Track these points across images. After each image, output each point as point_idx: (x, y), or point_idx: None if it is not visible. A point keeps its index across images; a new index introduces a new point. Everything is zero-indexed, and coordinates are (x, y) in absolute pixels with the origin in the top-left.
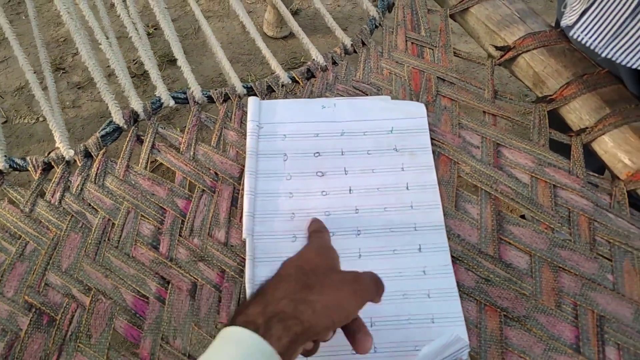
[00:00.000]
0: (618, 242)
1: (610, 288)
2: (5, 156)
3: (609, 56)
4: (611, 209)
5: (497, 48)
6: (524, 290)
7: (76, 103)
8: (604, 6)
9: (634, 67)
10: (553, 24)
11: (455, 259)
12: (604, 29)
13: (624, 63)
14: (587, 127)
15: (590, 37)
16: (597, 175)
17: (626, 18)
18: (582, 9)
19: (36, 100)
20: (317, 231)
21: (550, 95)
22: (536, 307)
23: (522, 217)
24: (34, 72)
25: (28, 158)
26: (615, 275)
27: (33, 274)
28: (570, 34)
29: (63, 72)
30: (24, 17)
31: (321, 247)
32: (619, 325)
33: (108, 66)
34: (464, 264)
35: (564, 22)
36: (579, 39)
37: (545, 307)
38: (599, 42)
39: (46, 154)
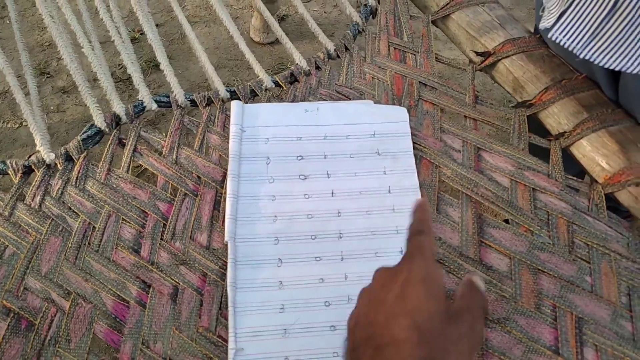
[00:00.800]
0: (596, 244)
1: (589, 290)
2: None
3: (587, 57)
4: (589, 212)
5: (478, 54)
6: (504, 293)
7: (61, 107)
8: (580, 8)
9: (611, 67)
10: (532, 31)
11: (437, 262)
12: (582, 31)
13: (601, 64)
14: (565, 132)
15: (568, 39)
16: (575, 179)
17: (602, 19)
18: (560, 11)
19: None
20: (419, 233)
21: (530, 100)
22: (516, 309)
23: (506, 221)
24: (17, 77)
25: (8, 161)
26: (593, 277)
27: (12, 278)
28: (549, 35)
29: (48, 77)
30: (7, 22)
31: (429, 276)
32: (597, 326)
33: (92, 70)
34: (445, 267)
35: (542, 25)
36: (557, 40)
37: (525, 309)
38: (576, 44)
39: (26, 158)
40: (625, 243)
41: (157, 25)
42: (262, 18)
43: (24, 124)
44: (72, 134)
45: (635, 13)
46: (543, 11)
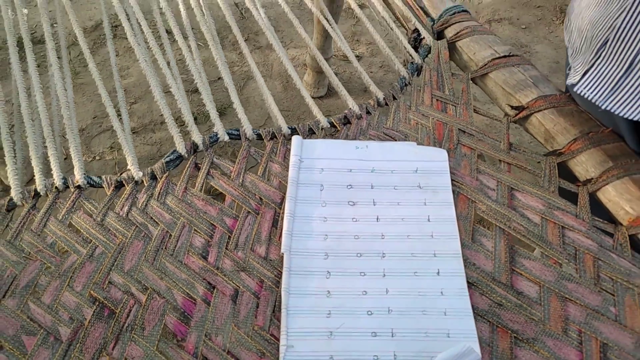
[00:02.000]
0: (620, 279)
1: (613, 319)
2: (85, 174)
3: (608, 108)
4: (614, 250)
5: (513, 107)
6: (533, 316)
7: None
8: (602, 67)
9: (629, 117)
10: (562, 89)
11: (470, 284)
12: (603, 86)
13: (621, 114)
14: (592, 178)
15: (591, 93)
16: (601, 220)
17: (621, 77)
18: (584, 70)
19: (94, 141)
20: None
21: (560, 150)
22: (544, 331)
23: None
24: (94, 116)
25: (103, 177)
26: (617, 308)
27: (99, 272)
28: (575, 89)
29: (119, 121)
30: (88, 70)
31: None
32: (621, 352)
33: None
34: (478, 289)
35: (569, 81)
36: (582, 93)
37: (553, 331)
38: (599, 97)
39: (118, 174)
40: None
41: (218, 79)
42: (313, 74)
43: (97, 158)
44: (140, 169)
45: None
46: (570, 70)
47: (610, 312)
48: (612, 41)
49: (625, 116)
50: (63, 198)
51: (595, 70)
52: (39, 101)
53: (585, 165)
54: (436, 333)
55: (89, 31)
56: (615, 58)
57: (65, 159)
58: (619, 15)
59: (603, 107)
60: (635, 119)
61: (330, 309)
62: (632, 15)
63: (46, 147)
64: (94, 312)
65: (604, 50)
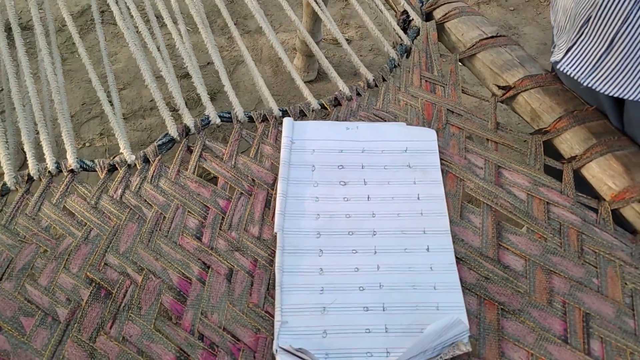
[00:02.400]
0: (603, 252)
1: (596, 290)
2: (77, 158)
3: (590, 85)
4: (597, 224)
5: (500, 87)
6: (519, 289)
7: None
8: (584, 45)
9: (610, 94)
10: (549, 70)
11: (459, 260)
12: (585, 63)
13: (602, 91)
14: (576, 155)
15: (573, 69)
16: (585, 196)
17: (602, 54)
18: (567, 47)
19: (84, 128)
20: None
21: (545, 128)
22: (530, 302)
23: None
24: (83, 103)
25: (96, 160)
26: (600, 279)
27: (95, 254)
28: (557, 67)
29: (110, 105)
30: (77, 56)
31: None
32: (603, 321)
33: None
34: (466, 264)
35: (553, 58)
36: (565, 70)
37: (538, 303)
38: (581, 74)
39: (111, 158)
40: (629, 252)
41: (208, 64)
42: (303, 58)
43: (87, 144)
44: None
45: (629, 49)
46: (554, 48)
47: (593, 283)
48: (594, 18)
49: (606, 93)
50: (56, 182)
51: (577, 47)
52: (30, 86)
53: (569, 142)
54: (426, 306)
55: (76, 17)
56: (597, 35)
57: (56, 144)
58: None
59: (585, 84)
60: (615, 95)
61: (323, 286)
62: None
63: (38, 132)
64: (90, 292)
65: (586, 27)
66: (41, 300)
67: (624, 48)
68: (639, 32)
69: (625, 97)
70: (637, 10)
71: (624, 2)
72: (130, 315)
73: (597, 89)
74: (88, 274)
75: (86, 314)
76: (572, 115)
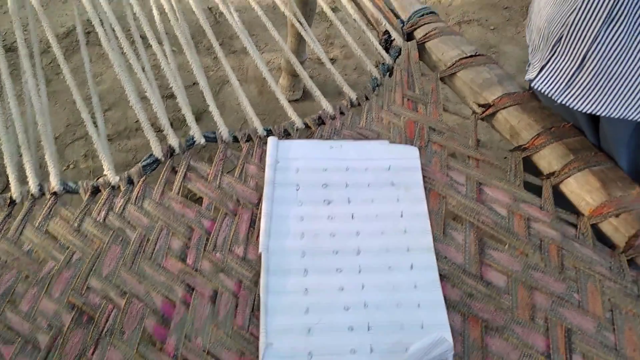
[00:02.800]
0: (583, 266)
1: (577, 305)
2: (60, 180)
3: (563, 102)
4: (577, 239)
5: (480, 105)
6: (502, 305)
7: None
8: (556, 64)
9: (583, 111)
10: (526, 87)
11: (442, 277)
12: (558, 81)
13: (575, 108)
14: (555, 171)
15: (547, 87)
16: (564, 211)
17: (574, 72)
18: (541, 65)
19: (68, 149)
20: None
21: (524, 145)
22: (513, 319)
23: None
24: (68, 124)
25: (79, 182)
26: (580, 294)
27: (77, 278)
28: (532, 84)
29: (95, 126)
30: (61, 77)
31: None
32: (584, 337)
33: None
34: (450, 281)
35: (527, 77)
36: (539, 88)
37: (521, 319)
38: (555, 92)
39: (95, 180)
40: (608, 266)
41: (193, 84)
42: (289, 77)
43: (71, 166)
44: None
45: (600, 67)
46: (529, 66)
47: (574, 298)
48: (565, 37)
49: (579, 109)
50: (39, 205)
51: (550, 65)
52: (13, 108)
53: (548, 159)
54: (410, 325)
55: (61, 38)
56: (568, 53)
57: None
58: (572, 12)
59: (559, 102)
60: (588, 112)
61: (308, 306)
62: (583, 12)
63: (21, 154)
64: (72, 318)
65: (558, 46)
66: (22, 327)
67: (595, 66)
68: (608, 51)
69: (598, 114)
70: (607, 30)
71: (593, 21)
72: (112, 341)
73: (571, 106)
74: (70, 298)
75: (67, 340)
76: (550, 132)
